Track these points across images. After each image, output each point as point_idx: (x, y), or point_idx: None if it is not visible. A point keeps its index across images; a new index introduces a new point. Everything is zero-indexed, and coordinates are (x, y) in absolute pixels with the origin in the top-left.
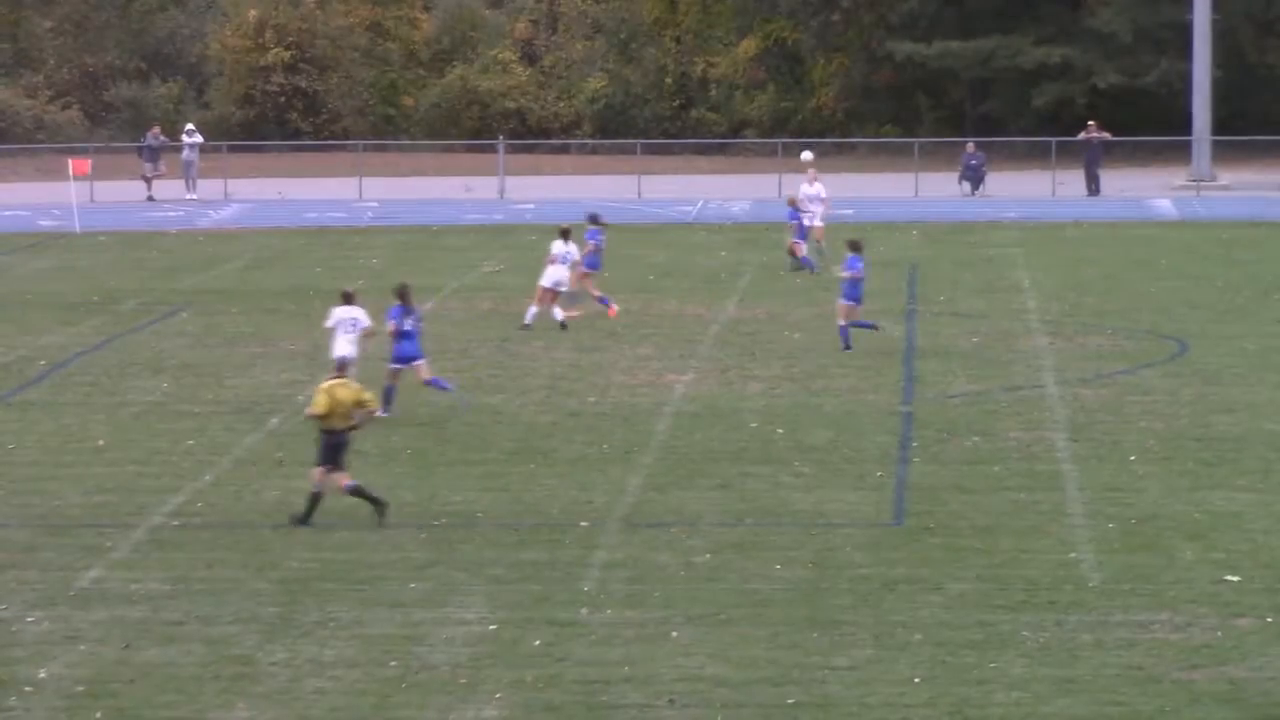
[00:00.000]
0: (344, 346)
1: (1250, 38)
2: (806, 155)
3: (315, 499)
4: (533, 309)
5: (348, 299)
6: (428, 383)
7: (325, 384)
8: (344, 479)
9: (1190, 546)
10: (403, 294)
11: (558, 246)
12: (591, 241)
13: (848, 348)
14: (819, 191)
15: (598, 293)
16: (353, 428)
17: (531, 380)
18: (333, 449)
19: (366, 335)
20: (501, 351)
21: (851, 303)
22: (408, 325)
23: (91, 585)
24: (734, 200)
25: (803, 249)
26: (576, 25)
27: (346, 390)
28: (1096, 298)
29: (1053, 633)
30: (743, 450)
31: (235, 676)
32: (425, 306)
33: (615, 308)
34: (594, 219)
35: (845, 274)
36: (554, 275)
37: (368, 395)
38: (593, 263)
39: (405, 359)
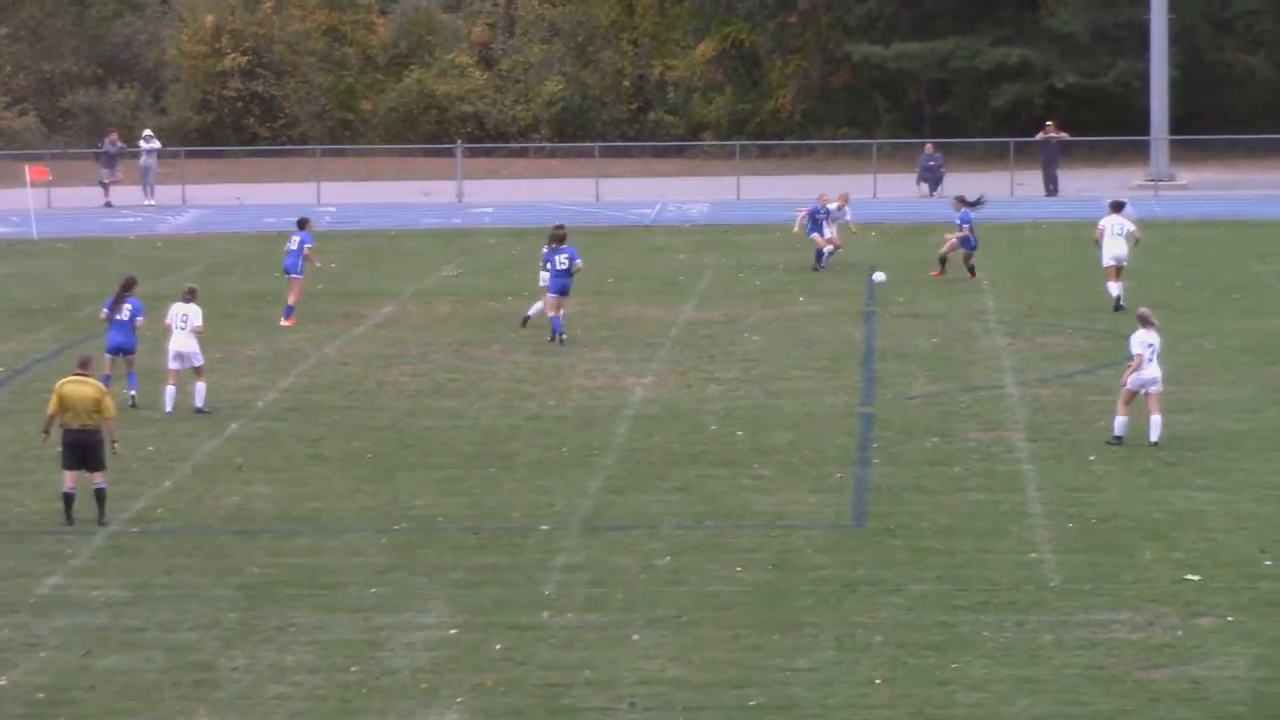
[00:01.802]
0: (179, 341)
1: (1207, 36)
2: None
3: (68, 499)
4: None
5: (188, 296)
6: (129, 374)
7: (60, 381)
8: (97, 477)
9: (1150, 546)
10: (126, 286)
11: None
12: (303, 243)
13: (556, 335)
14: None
15: (292, 299)
16: (95, 430)
17: (490, 384)
18: (74, 448)
19: (195, 331)
20: (460, 355)
21: (556, 295)
22: (122, 315)
23: (52, 592)
24: (692, 202)
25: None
26: (534, 28)
27: (82, 387)
28: (1055, 298)
29: (1014, 633)
30: (702, 453)
31: (196, 683)
32: (384, 310)
33: (291, 321)
34: (301, 223)
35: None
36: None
37: (108, 400)
38: (292, 265)
39: (115, 349)
